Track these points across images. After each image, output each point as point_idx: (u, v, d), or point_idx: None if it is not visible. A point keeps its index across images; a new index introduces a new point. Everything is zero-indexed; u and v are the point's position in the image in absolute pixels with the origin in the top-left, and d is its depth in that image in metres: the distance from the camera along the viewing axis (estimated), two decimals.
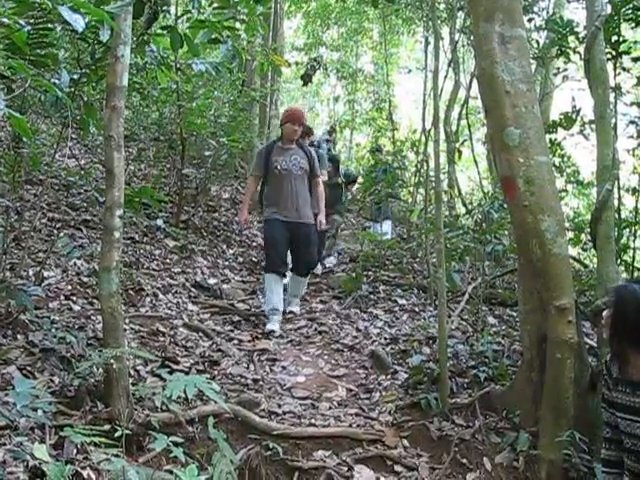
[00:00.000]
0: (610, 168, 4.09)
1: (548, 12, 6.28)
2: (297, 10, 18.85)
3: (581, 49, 5.14)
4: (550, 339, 3.81)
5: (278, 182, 6.46)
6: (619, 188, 5.61)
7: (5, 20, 2.94)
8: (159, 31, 5.11)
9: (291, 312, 6.69)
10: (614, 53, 5.26)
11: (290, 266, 6.70)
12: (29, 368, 3.79)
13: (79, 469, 2.85)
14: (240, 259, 8.66)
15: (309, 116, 22.67)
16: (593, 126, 5.37)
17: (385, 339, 5.93)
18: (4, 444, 2.81)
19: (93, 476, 2.86)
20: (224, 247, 8.91)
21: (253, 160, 6.87)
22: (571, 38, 5.59)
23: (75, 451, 3.04)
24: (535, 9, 6.57)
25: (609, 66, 4.69)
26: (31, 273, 5.25)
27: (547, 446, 3.78)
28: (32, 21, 3.67)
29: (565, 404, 3.77)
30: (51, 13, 3.33)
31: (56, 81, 4.06)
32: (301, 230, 6.43)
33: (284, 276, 6.52)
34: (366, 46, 20.80)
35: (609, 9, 4.87)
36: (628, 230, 5.79)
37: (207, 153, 9.35)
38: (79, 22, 2.95)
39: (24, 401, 2.92)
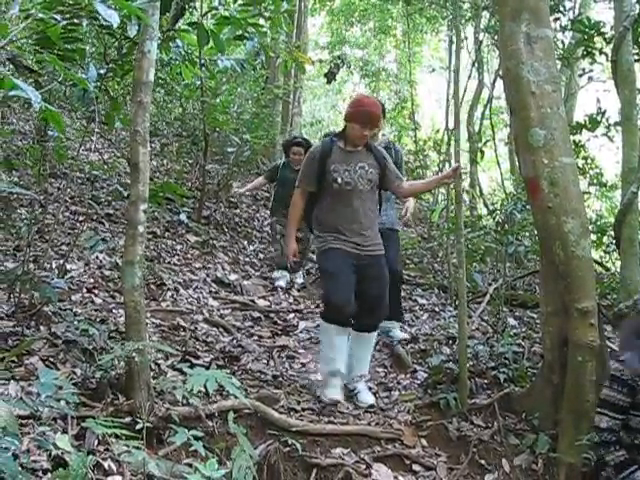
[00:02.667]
0: (636, 170, 4.07)
1: (574, 12, 6.23)
2: (321, 8, 18.83)
3: (607, 50, 5.11)
4: (571, 342, 3.79)
5: (338, 200, 4.59)
6: None
7: (40, 15, 2.97)
8: (185, 27, 5.13)
9: (371, 406, 4.51)
10: None
11: None
12: (52, 359, 3.82)
13: (100, 460, 2.87)
14: (261, 255, 8.69)
15: (331, 115, 22.66)
16: (618, 128, 5.34)
17: (405, 338, 5.93)
18: (28, 433, 2.85)
19: (114, 467, 2.89)
20: (245, 243, 8.95)
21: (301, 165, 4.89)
22: (597, 39, 5.55)
23: (96, 442, 3.07)
24: (561, 9, 6.51)
25: (637, 67, 4.65)
26: (54, 266, 5.30)
27: (566, 449, 3.76)
28: (61, 16, 3.71)
29: (585, 407, 3.75)
30: (83, 8, 3.36)
31: (83, 76, 4.09)
32: (371, 265, 4.58)
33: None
34: (389, 44, 20.73)
35: (638, 9, 4.83)
36: None
37: (229, 149, 9.39)
38: (114, 17, 2.98)
39: (48, 391, 2.95)
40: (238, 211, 10.13)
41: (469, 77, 12.69)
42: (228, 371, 4.31)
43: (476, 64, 12.45)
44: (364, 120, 4.52)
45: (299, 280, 7.99)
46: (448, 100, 13.65)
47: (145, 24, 3.67)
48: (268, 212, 9.18)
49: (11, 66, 4.68)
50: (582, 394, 3.74)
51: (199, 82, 8.15)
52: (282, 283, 7.64)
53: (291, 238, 4.84)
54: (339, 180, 4.53)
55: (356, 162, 4.60)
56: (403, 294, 7.38)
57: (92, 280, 5.54)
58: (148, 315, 5.12)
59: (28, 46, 6.05)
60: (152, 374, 3.87)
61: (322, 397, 4.46)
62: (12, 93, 2.49)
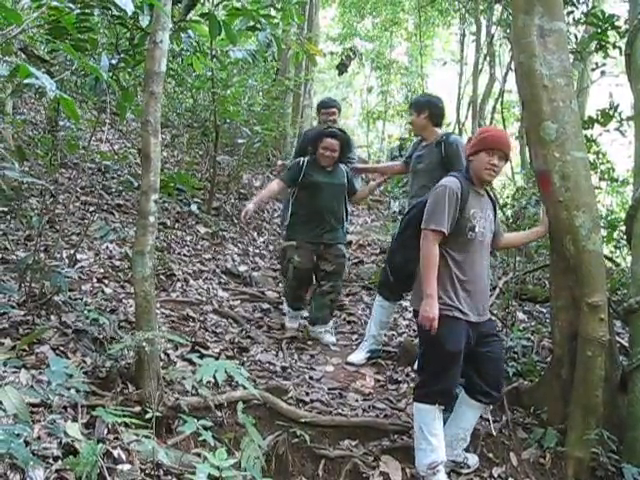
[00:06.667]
0: None
1: (588, 5, 6.17)
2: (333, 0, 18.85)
3: (621, 44, 5.07)
4: (581, 336, 3.79)
5: (470, 253, 3.69)
6: None
7: (55, 3, 2.98)
8: (197, 18, 5.13)
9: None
10: None
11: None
12: (62, 348, 3.85)
13: (110, 448, 2.90)
14: (270, 247, 8.69)
15: (342, 107, 22.66)
16: (630, 122, 5.30)
17: (414, 331, 5.92)
18: (39, 421, 2.87)
19: (123, 456, 2.91)
20: (255, 235, 8.95)
21: (434, 201, 3.65)
22: (611, 33, 5.50)
23: (106, 431, 3.09)
24: (574, 2, 6.46)
25: None
26: (65, 255, 5.32)
27: (575, 444, 3.77)
28: (73, 5, 3.72)
29: (594, 402, 3.75)
30: None
31: (95, 66, 4.10)
32: (486, 333, 3.78)
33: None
34: (401, 37, 20.70)
35: None
36: None
37: (240, 141, 9.38)
38: (129, 6, 3.00)
39: (58, 380, 2.97)
40: (248, 203, 10.14)
41: (480, 70, 12.66)
42: (237, 362, 4.34)
43: (488, 57, 12.41)
44: (495, 145, 3.66)
45: (330, 338, 5.71)
46: (459, 93, 13.63)
47: (157, 14, 3.67)
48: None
49: (23, 56, 4.70)
50: (591, 389, 3.74)
51: (210, 73, 8.14)
52: (294, 324, 5.83)
53: (434, 299, 3.54)
54: (477, 229, 3.68)
55: (485, 208, 3.80)
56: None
57: (102, 270, 5.56)
58: (158, 305, 5.14)
59: (40, 36, 6.07)
60: (162, 364, 3.89)
61: None
62: (26, 81, 2.50)
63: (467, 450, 3.92)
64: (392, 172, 5.96)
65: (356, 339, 5.79)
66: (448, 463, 3.75)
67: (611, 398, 3.89)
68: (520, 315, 6.15)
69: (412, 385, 4.71)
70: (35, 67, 2.75)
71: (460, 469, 3.85)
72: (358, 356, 5.22)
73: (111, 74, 4.46)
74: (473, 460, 3.91)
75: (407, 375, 4.93)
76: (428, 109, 5.11)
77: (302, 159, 5.72)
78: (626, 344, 4.40)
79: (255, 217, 9.65)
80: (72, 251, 5.19)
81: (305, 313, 5.88)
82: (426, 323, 3.51)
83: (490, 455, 3.95)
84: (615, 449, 3.74)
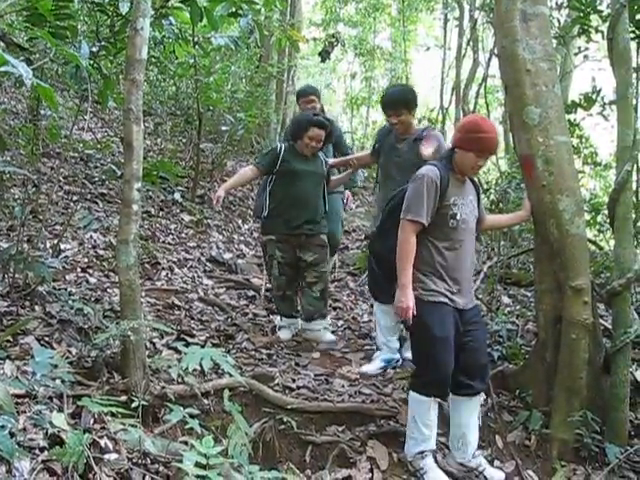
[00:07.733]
0: (630, 149, 4.05)
1: None
2: None
3: (603, 28, 5.08)
4: (565, 319, 3.82)
5: (453, 241, 3.65)
6: (638, 170, 5.55)
7: None
8: (178, 4, 5.09)
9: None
10: (638, 32, 5.17)
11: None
12: (47, 339, 3.83)
13: (96, 438, 2.88)
14: (255, 234, 8.68)
15: (326, 93, 22.57)
16: (613, 107, 5.32)
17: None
18: (24, 412, 2.85)
19: (110, 445, 2.90)
20: (239, 222, 8.94)
21: (413, 191, 3.61)
22: (593, 17, 5.51)
23: (92, 420, 3.08)
24: None
25: (632, 46, 4.61)
26: (48, 245, 5.29)
27: (559, 425, 3.81)
28: None
29: (578, 384, 3.79)
30: None
31: (75, 53, 4.06)
32: (470, 321, 3.68)
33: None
34: (384, 23, 20.60)
35: None
36: None
37: (223, 128, 9.36)
38: None
39: (43, 370, 2.96)
40: (232, 190, 10.11)
41: (464, 55, 12.65)
42: (223, 350, 4.34)
43: (471, 42, 12.40)
44: (486, 148, 3.61)
45: (330, 336, 5.43)
46: (443, 78, 13.63)
47: (137, 1, 3.63)
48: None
49: (1, 43, 4.64)
50: (575, 371, 3.78)
51: (192, 60, 8.10)
52: (287, 335, 5.40)
53: (408, 289, 3.51)
54: (458, 216, 3.62)
55: (467, 195, 3.73)
56: None
57: (86, 259, 5.54)
58: (143, 294, 5.13)
59: (19, 23, 6.00)
60: (147, 353, 3.88)
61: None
62: (2, 69, 2.46)
63: (492, 462, 3.81)
64: (362, 164, 5.72)
65: (341, 325, 5.81)
66: (459, 467, 3.69)
67: (595, 380, 3.92)
68: (505, 299, 6.19)
69: (398, 370, 4.73)
70: (14, 55, 2.71)
71: (475, 478, 3.65)
72: (372, 366, 4.87)
73: (92, 62, 4.42)
74: (496, 474, 3.67)
75: None
76: (416, 104, 4.87)
77: (279, 145, 5.41)
78: (609, 327, 4.43)
79: (240, 204, 9.63)
80: (56, 241, 5.17)
81: (299, 325, 5.47)
82: (401, 313, 3.50)
83: None
84: (598, 430, 3.77)
